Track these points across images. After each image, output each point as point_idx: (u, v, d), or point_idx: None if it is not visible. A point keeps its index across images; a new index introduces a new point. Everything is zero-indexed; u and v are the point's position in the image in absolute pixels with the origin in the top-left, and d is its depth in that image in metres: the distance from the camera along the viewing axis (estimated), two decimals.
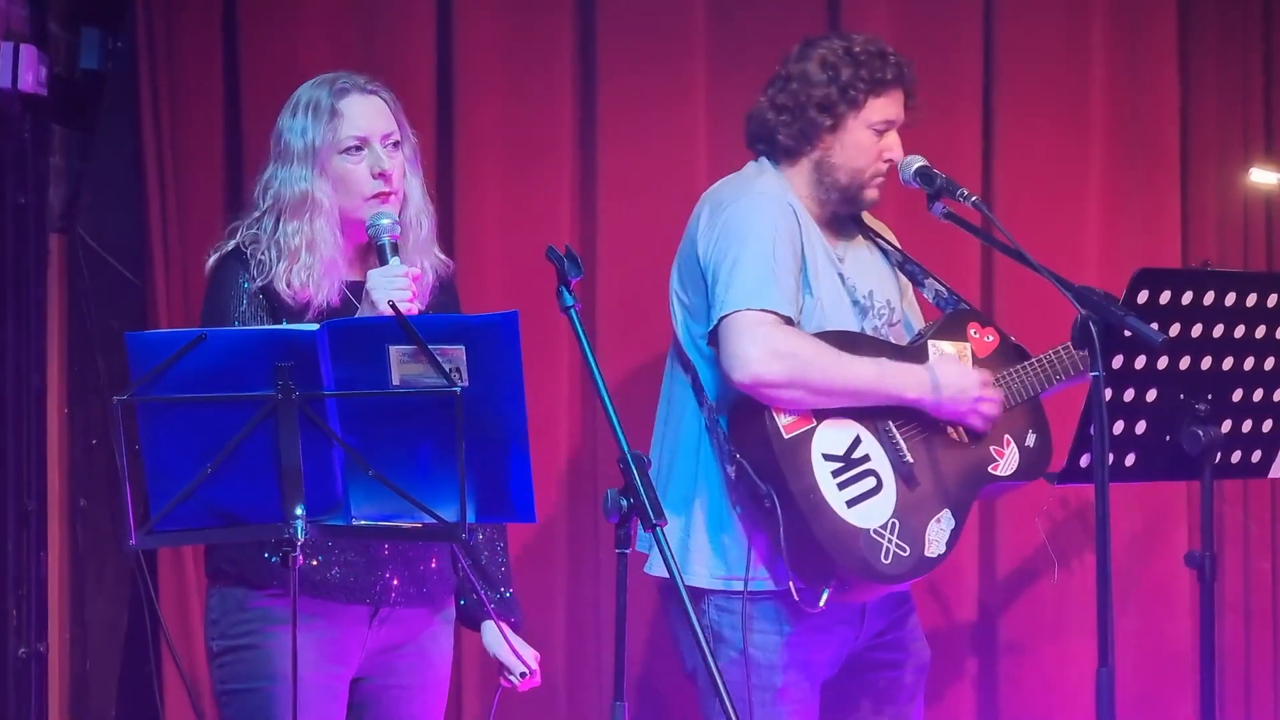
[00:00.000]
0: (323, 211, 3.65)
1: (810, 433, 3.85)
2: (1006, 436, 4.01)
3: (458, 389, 3.12)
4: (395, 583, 3.68)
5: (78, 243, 4.67)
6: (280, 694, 3.56)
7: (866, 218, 4.18)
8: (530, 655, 3.85)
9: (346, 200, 3.67)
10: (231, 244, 3.68)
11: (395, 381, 3.19)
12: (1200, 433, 3.76)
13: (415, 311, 3.57)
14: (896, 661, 4.09)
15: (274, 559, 3.58)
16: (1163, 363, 3.75)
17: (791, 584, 3.83)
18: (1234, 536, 4.97)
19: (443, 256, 3.84)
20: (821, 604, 3.82)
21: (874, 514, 3.86)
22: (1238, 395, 3.84)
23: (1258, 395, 3.86)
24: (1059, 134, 4.90)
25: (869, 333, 4.00)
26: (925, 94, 4.84)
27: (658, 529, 3.18)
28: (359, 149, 3.67)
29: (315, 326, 3.20)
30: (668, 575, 3.85)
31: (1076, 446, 3.75)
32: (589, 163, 4.80)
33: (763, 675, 3.88)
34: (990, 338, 4.06)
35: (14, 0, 4.45)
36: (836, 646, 3.98)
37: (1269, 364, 3.85)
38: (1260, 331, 3.82)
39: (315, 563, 3.60)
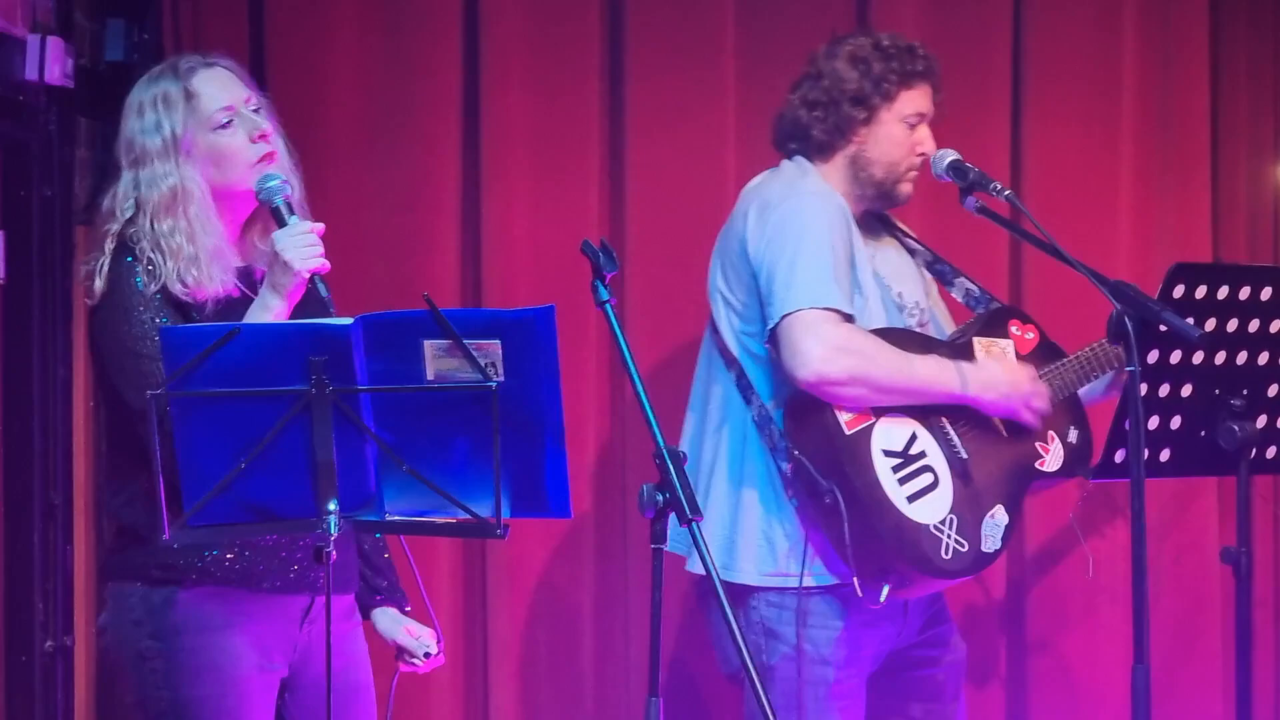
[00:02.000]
0: (194, 200, 3.50)
1: (870, 429, 3.86)
2: (1050, 433, 4.02)
3: (493, 384, 3.09)
4: (322, 576, 3.59)
5: None
6: (224, 699, 3.50)
7: (893, 217, 4.19)
8: (429, 635, 3.78)
9: (230, 175, 3.53)
10: (113, 244, 3.51)
11: (430, 376, 3.16)
12: (1236, 428, 3.77)
13: (328, 267, 3.47)
14: (937, 658, 4.11)
15: (208, 554, 3.48)
16: (1198, 358, 3.75)
17: (856, 580, 3.83)
18: (1263, 532, 4.94)
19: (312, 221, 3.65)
20: (882, 599, 3.84)
21: (933, 510, 3.87)
22: (1273, 390, 3.84)
23: None
24: (1089, 129, 4.87)
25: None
26: (954, 90, 4.84)
27: (694, 524, 3.16)
28: (230, 121, 3.54)
29: (349, 320, 3.18)
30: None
31: (1112, 442, 3.75)
32: (617, 158, 4.78)
33: (815, 670, 3.89)
34: (1030, 335, 4.09)
35: None
36: (880, 642, 3.99)
37: None
38: None
39: (247, 554, 3.50)
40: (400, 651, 3.78)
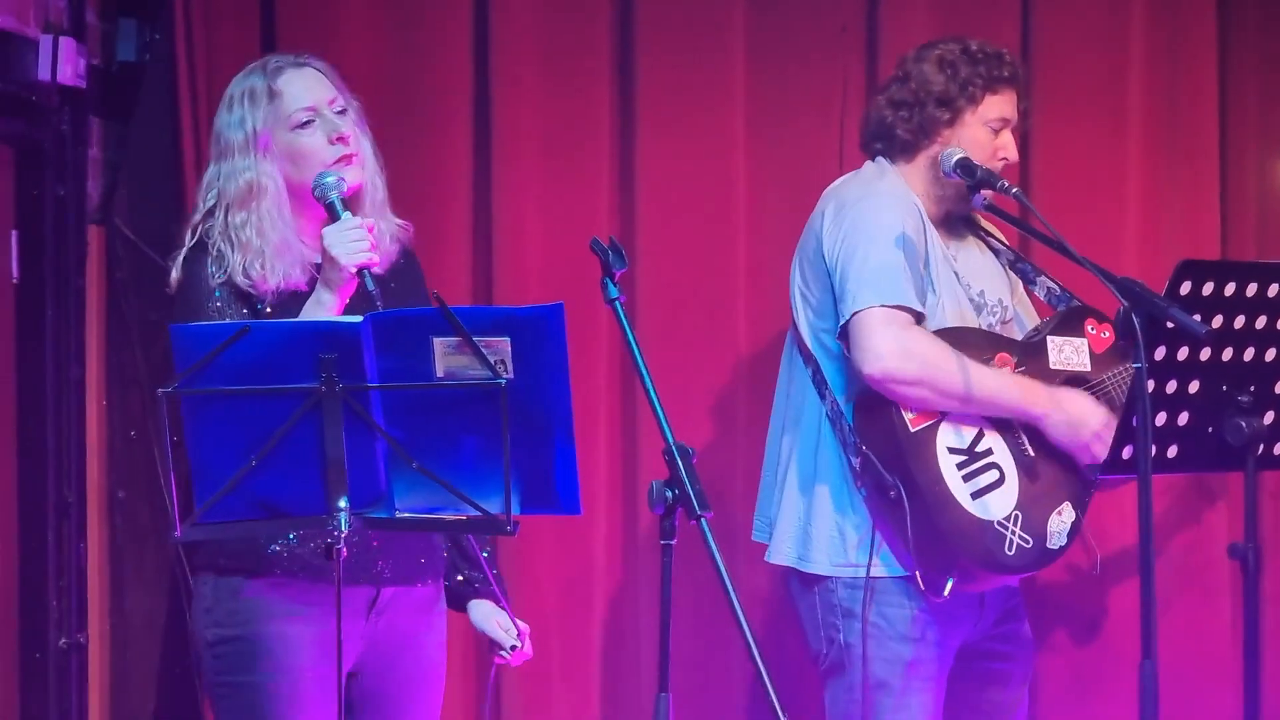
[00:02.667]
0: (268, 195, 3.59)
1: (935, 427, 3.92)
2: None
3: (502, 381, 3.12)
4: (387, 569, 3.64)
5: (116, 234, 4.68)
6: (280, 686, 3.56)
7: (977, 217, 4.23)
8: (519, 628, 3.83)
9: (306, 174, 3.61)
10: (194, 239, 3.62)
11: (439, 373, 3.18)
12: (1243, 424, 3.77)
13: (375, 263, 3.53)
14: (1010, 652, 4.17)
15: (274, 547, 3.56)
16: (1205, 354, 3.74)
17: (918, 573, 3.89)
18: (1270, 528, 4.94)
19: (399, 221, 3.75)
20: (946, 593, 3.89)
21: (998, 506, 3.92)
22: None
23: None
24: (1097, 124, 4.87)
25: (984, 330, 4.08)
26: None
27: (702, 519, 3.17)
28: (310, 121, 3.62)
29: (359, 318, 3.20)
30: (789, 563, 4.04)
31: (1119, 438, 3.75)
32: (627, 156, 4.78)
33: (891, 648, 3.96)
34: (1106, 334, 4.11)
35: None
36: (959, 635, 4.05)
37: None
38: None
39: (308, 545, 3.56)
40: (493, 645, 3.84)
